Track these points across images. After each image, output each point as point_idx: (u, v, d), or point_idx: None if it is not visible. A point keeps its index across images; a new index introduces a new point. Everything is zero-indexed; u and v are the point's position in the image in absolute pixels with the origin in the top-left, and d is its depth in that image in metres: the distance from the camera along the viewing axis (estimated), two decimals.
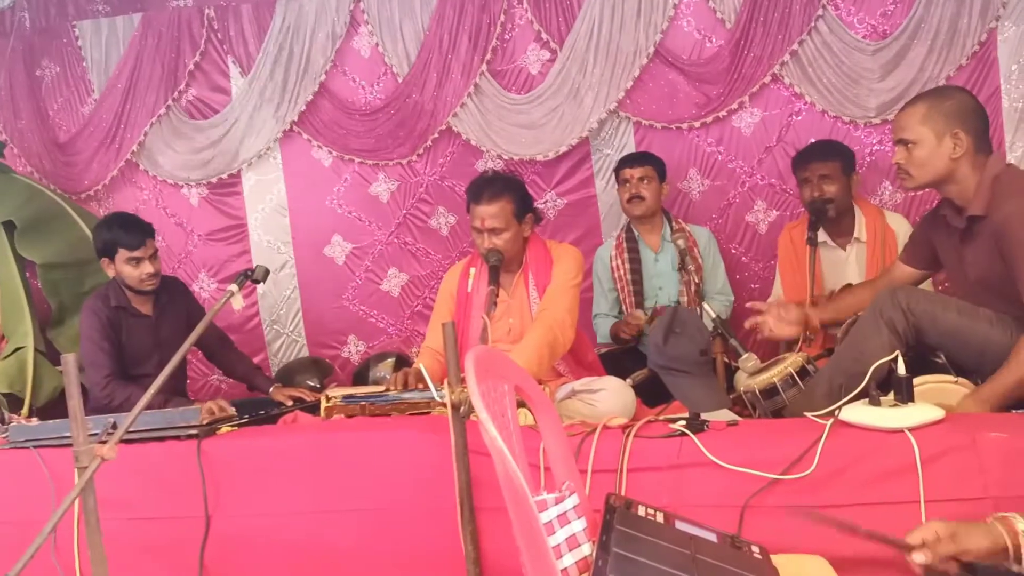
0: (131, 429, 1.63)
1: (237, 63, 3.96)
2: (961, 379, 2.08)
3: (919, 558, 1.17)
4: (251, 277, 2.28)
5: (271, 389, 3.07)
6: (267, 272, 2.32)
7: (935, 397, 1.97)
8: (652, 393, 2.61)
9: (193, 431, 2.20)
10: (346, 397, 2.41)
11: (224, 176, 4.01)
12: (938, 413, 1.80)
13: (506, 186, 2.64)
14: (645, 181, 3.34)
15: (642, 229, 3.42)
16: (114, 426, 1.76)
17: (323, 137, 3.93)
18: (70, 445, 1.61)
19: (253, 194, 4.05)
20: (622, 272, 3.40)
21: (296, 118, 3.89)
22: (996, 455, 1.71)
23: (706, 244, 3.40)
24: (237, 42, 3.95)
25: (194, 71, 3.99)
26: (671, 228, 3.38)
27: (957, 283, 2.31)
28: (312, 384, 3.70)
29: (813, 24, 3.47)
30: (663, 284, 3.35)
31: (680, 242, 3.17)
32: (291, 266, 4.08)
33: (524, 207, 2.66)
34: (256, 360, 4.09)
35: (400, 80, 3.83)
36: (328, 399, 2.41)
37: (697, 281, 3.13)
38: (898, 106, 3.35)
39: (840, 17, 3.49)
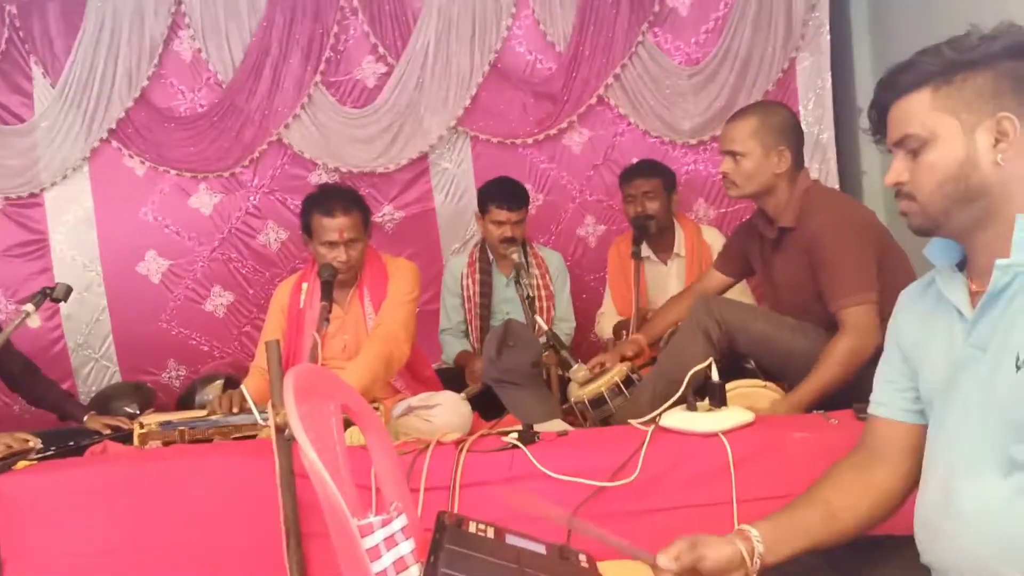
0: None
1: (41, 64, 3.64)
2: (769, 383, 2.22)
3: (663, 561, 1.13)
4: (51, 295, 2.15)
5: (86, 418, 2.83)
6: (69, 290, 2.18)
7: (746, 400, 2.10)
8: (490, 405, 2.63)
9: None
10: (163, 424, 2.25)
11: (36, 191, 3.67)
12: (748, 416, 1.91)
13: (355, 197, 2.63)
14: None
15: (497, 254, 3.39)
16: None
17: (135, 146, 3.68)
18: None
19: (56, 206, 3.73)
20: (471, 292, 3.38)
21: (113, 126, 3.63)
22: (801, 454, 1.82)
23: (557, 268, 3.43)
24: (42, 42, 3.64)
25: None
26: (524, 252, 3.35)
27: (767, 289, 2.46)
28: (131, 411, 3.43)
29: (634, 50, 3.66)
30: (510, 309, 3.34)
31: (515, 256, 3.19)
32: (99, 284, 3.78)
33: (368, 219, 2.65)
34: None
35: (224, 87, 3.67)
36: (142, 426, 2.24)
37: (531, 294, 3.17)
38: (711, 128, 3.62)
39: (658, 44, 3.71)
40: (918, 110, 1.13)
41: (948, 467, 1.14)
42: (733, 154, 2.25)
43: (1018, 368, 1.03)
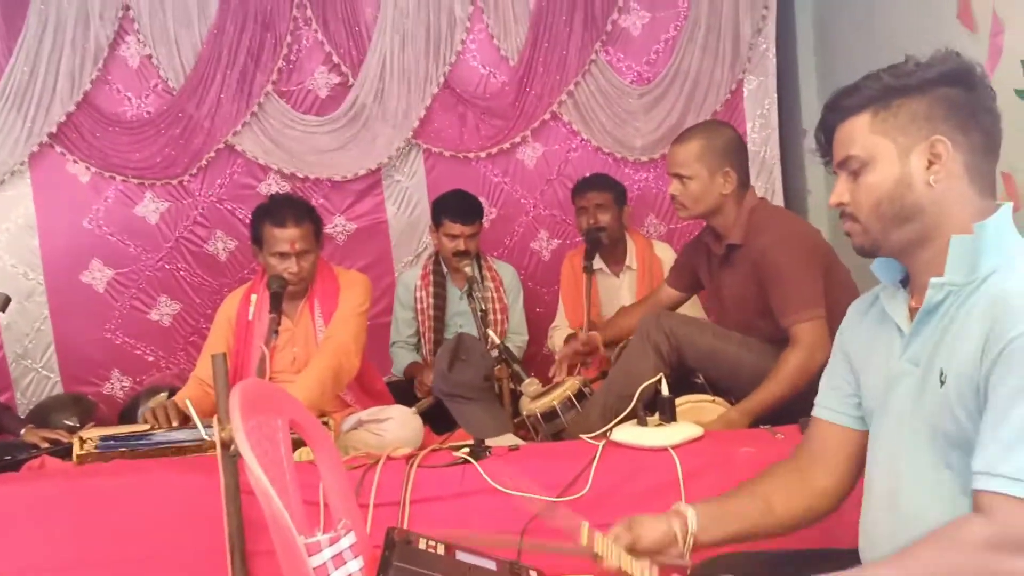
0: None
1: None
2: (718, 398, 2.26)
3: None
4: None
5: (23, 431, 2.72)
6: (7, 300, 2.12)
7: (695, 415, 2.13)
8: (442, 419, 2.62)
9: None
10: (104, 439, 2.18)
11: None
12: (697, 431, 1.94)
13: (307, 208, 2.61)
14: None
15: (451, 267, 3.37)
16: None
17: (80, 151, 3.58)
18: None
19: None
20: (424, 306, 3.37)
21: (53, 129, 3.52)
22: (748, 468, 1.86)
23: (510, 281, 3.45)
24: None
25: None
26: (479, 266, 3.36)
27: (714, 304, 2.51)
28: (71, 424, 3.33)
29: (587, 68, 3.70)
30: (464, 323, 3.33)
31: (468, 269, 3.17)
32: (41, 294, 3.65)
33: (320, 230, 2.63)
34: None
35: (174, 94, 3.60)
36: (83, 441, 2.17)
37: (484, 308, 3.17)
38: (661, 147, 3.67)
39: (610, 63, 3.75)
40: (859, 133, 1.18)
41: (888, 477, 1.18)
42: (680, 177, 2.30)
43: (942, 383, 1.08)
